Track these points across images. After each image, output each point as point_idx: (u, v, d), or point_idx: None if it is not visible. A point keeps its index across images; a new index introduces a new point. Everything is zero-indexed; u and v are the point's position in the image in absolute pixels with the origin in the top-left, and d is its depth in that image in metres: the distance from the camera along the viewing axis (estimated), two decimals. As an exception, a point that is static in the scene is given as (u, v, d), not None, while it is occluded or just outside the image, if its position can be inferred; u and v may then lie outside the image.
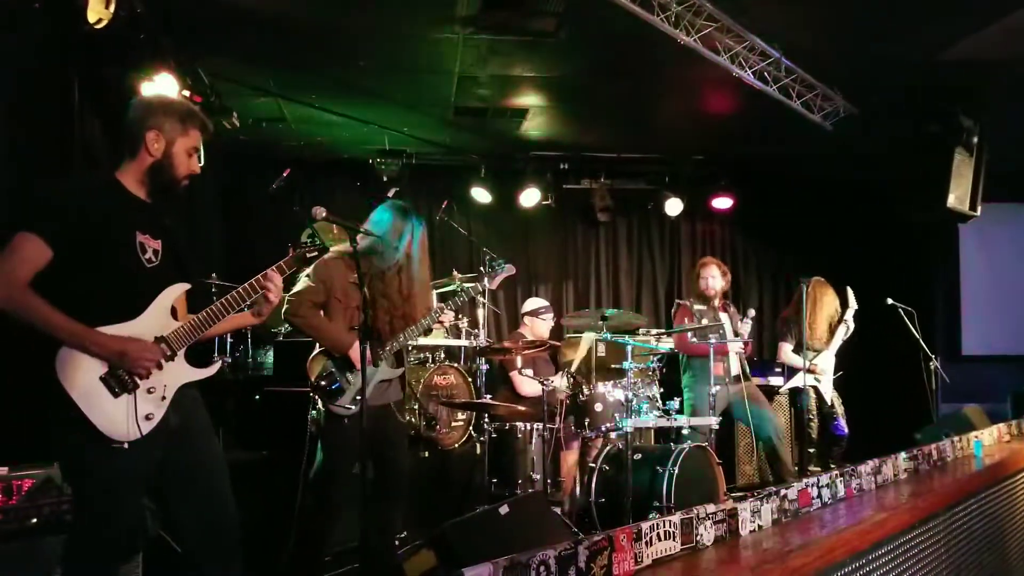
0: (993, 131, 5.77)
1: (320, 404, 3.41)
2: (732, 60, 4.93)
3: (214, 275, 5.33)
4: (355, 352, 3.32)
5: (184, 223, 2.76)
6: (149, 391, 2.36)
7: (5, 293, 2.19)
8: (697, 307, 5.47)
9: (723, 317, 5.48)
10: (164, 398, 2.40)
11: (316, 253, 2.84)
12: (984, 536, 3.02)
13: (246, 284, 2.58)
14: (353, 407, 3.33)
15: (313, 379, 3.36)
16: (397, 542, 4.44)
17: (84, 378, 2.25)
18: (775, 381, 6.42)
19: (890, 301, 5.71)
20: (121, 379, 2.29)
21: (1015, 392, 6.74)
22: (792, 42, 4.99)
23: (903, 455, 2.90)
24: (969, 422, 4.92)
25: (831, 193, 7.98)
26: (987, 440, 3.71)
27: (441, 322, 3.64)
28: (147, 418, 2.33)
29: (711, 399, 5.02)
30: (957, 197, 5.62)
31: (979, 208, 5.87)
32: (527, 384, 5.40)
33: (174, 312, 2.47)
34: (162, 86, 4.67)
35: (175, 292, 2.47)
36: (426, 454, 5.27)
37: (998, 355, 7.75)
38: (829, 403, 5.71)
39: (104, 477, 2.29)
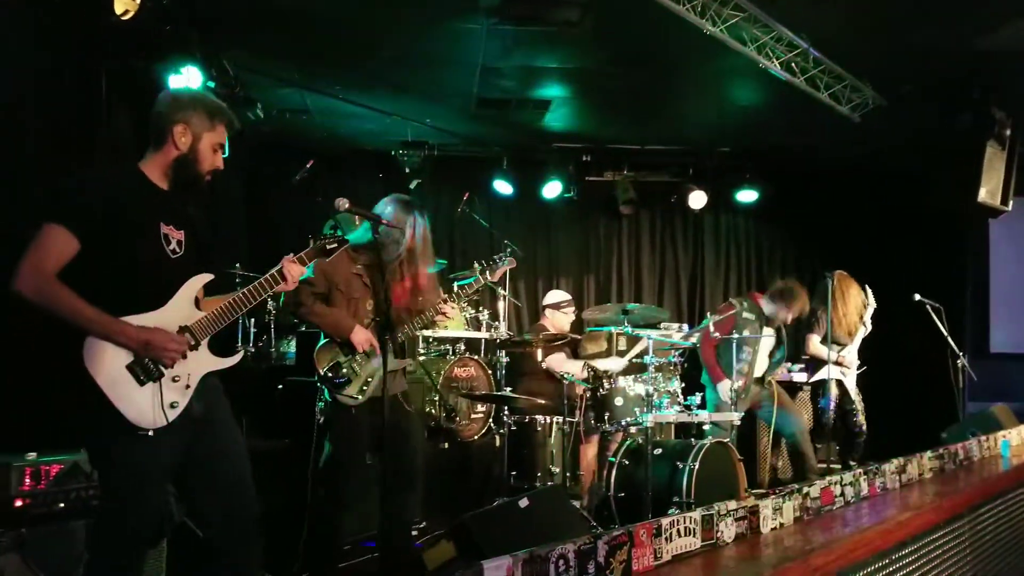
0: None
1: (327, 394, 3.41)
2: (759, 51, 4.87)
3: (238, 265, 5.37)
4: (357, 336, 3.34)
5: (207, 213, 2.78)
6: (174, 380, 2.39)
7: (33, 285, 2.21)
8: (746, 315, 5.24)
9: (767, 331, 5.32)
10: (188, 387, 2.43)
11: (336, 245, 2.87)
12: (1010, 538, 2.97)
13: (267, 275, 2.62)
14: (360, 397, 3.35)
15: (321, 370, 3.37)
16: (416, 532, 4.47)
17: (111, 366, 2.27)
18: (798, 377, 6.35)
19: (917, 297, 5.62)
20: (147, 368, 2.32)
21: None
22: (820, 32, 4.92)
23: (928, 454, 2.87)
24: (996, 421, 4.85)
25: (858, 186, 7.87)
26: (1015, 440, 3.66)
27: (444, 313, 3.62)
28: (172, 406, 2.36)
29: (732, 395, 4.97)
30: (988, 191, 5.53)
31: (1011, 203, 5.76)
32: (558, 364, 5.41)
33: (197, 302, 2.49)
34: (188, 77, 4.71)
35: (199, 282, 2.50)
36: (446, 446, 5.29)
37: (1028, 353, 7.61)
38: (853, 400, 5.65)
39: (130, 464, 2.32)
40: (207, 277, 2.53)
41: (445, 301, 3.62)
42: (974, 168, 5.43)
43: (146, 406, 2.31)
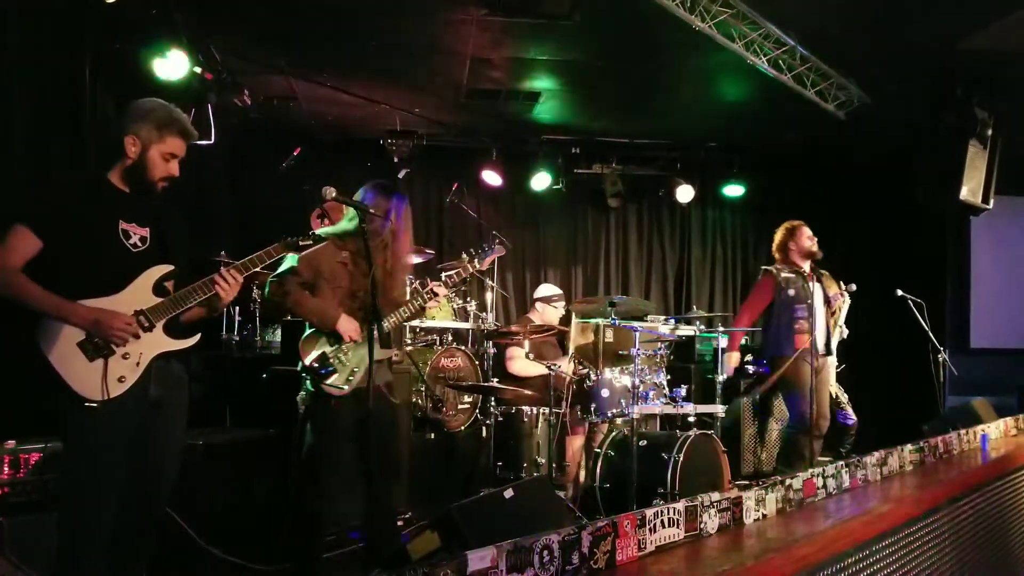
0: (1008, 124, 5.71)
1: (310, 384, 3.37)
2: (747, 47, 4.89)
3: (223, 253, 5.35)
4: (343, 325, 3.32)
5: (182, 206, 3.02)
6: (124, 356, 2.57)
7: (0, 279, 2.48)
8: (785, 275, 5.04)
9: (815, 288, 4.92)
10: (139, 364, 2.60)
11: (310, 242, 2.96)
12: (989, 529, 3.02)
13: (235, 266, 2.78)
14: (346, 387, 3.32)
15: (306, 360, 3.32)
16: (401, 523, 4.47)
17: (62, 344, 2.50)
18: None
19: (900, 292, 5.67)
20: (97, 345, 2.52)
21: (1021, 386, 6.71)
22: (807, 30, 4.95)
23: (909, 447, 2.90)
24: (976, 415, 4.90)
25: (843, 183, 7.92)
26: (994, 434, 3.71)
27: (436, 295, 3.59)
28: (119, 380, 2.55)
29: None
30: (970, 189, 5.59)
31: (992, 201, 5.83)
32: (518, 363, 5.39)
33: (159, 289, 2.68)
34: (173, 62, 4.67)
35: (158, 271, 2.69)
36: (432, 436, 5.29)
37: (1007, 348, 7.71)
38: (834, 395, 5.69)
39: (82, 436, 2.52)
40: (166, 268, 2.71)
41: (436, 287, 3.58)
42: (956, 166, 5.48)
43: (94, 379, 2.50)
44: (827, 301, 5.07)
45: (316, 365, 3.31)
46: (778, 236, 5.29)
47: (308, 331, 3.41)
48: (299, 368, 3.38)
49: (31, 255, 2.53)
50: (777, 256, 5.26)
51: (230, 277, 2.74)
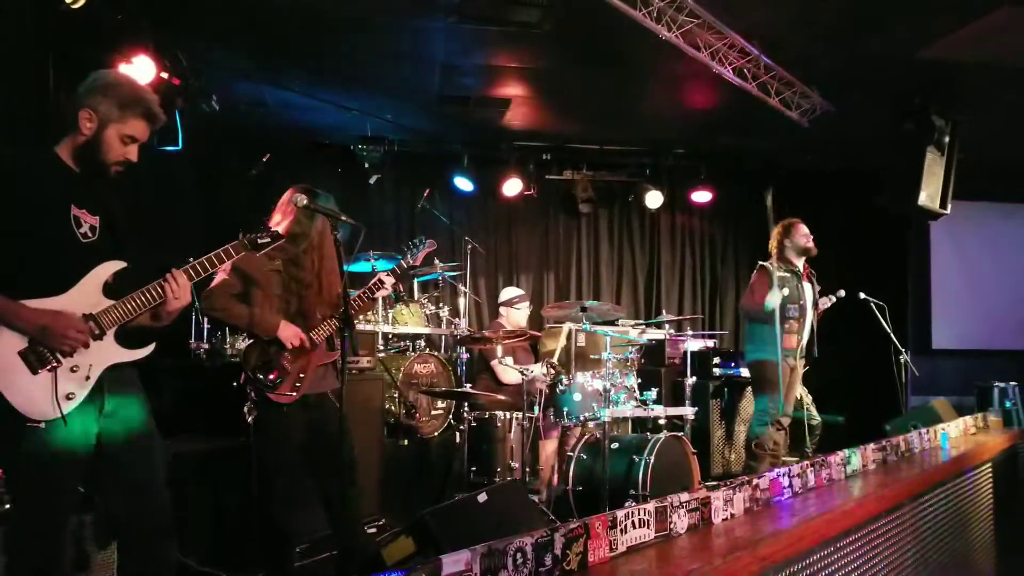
0: (964, 131, 5.87)
1: (254, 395, 3.28)
2: (712, 56, 4.97)
3: (191, 259, 5.29)
4: (284, 332, 3.26)
5: (149, 212, 2.66)
6: (72, 370, 2.25)
7: None
8: (780, 274, 5.09)
9: (807, 288, 5.20)
10: (88, 378, 2.29)
11: (268, 240, 2.78)
12: (949, 525, 3.10)
13: (187, 267, 2.52)
14: (294, 394, 3.26)
15: (248, 369, 3.23)
16: (375, 529, 4.46)
17: (1, 352, 2.15)
18: (747, 373, 6.49)
19: (862, 295, 5.80)
20: (41, 355, 2.19)
21: (979, 386, 6.89)
22: (771, 40, 5.04)
23: (872, 446, 2.97)
24: (937, 414, 5.03)
25: (807, 188, 8.07)
26: (953, 432, 3.81)
27: (383, 284, 3.52)
28: (68, 397, 2.23)
29: (779, 297, 4.88)
30: (928, 195, 5.73)
31: (949, 206, 5.98)
32: (508, 373, 5.44)
33: (109, 291, 2.36)
34: (139, 68, 4.62)
35: (109, 269, 2.37)
36: (406, 442, 5.29)
37: (966, 349, 7.91)
38: (798, 396, 5.79)
39: (26, 457, 2.21)
40: (118, 265, 2.39)
41: (381, 282, 3.54)
42: (915, 173, 5.62)
43: (38, 396, 2.18)
44: (815, 303, 5.24)
45: (260, 375, 3.24)
46: (774, 233, 5.38)
47: (249, 340, 3.36)
48: (243, 379, 3.30)
49: None
50: (773, 253, 5.34)
51: (177, 281, 2.44)
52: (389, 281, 3.53)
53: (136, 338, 2.43)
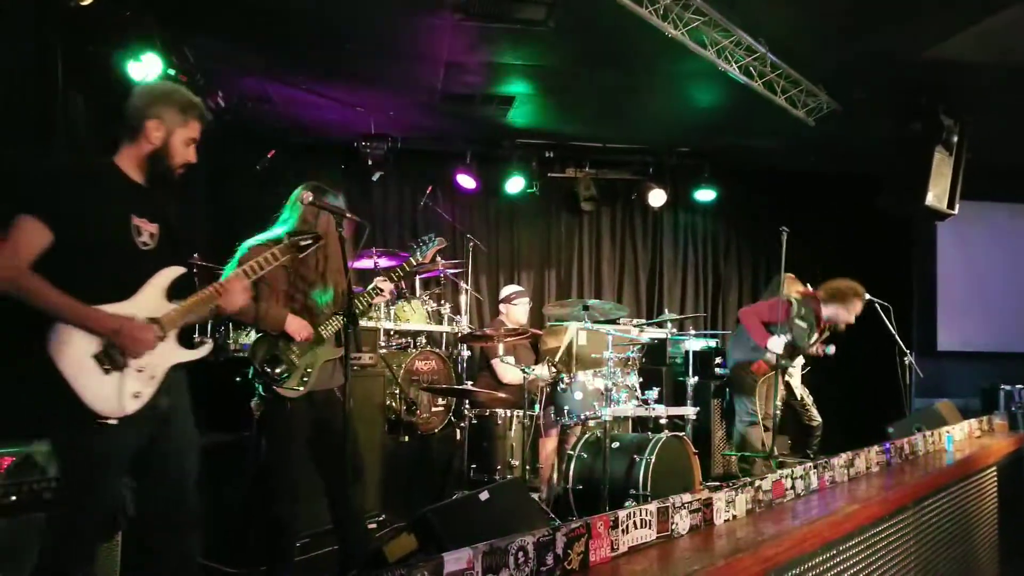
0: (972, 131, 5.84)
1: (262, 388, 3.31)
2: (718, 54, 4.96)
3: (196, 255, 5.30)
4: (291, 325, 3.28)
5: (177, 205, 2.81)
6: (139, 370, 2.40)
7: (9, 276, 2.25)
8: (799, 321, 5.16)
9: (815, 334, 5.28)
10: (153, 377, 2.44)
11: (311, 242, 2.91)
12: (953, 529, 3.09)
13: (240, 269, 2.72)
14: (301, 388, 3.27)
15: (256, 363, 3.26)
16: (375, 524, 4.46)
17: (76, 355, 2.30)
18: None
19: (867, 296, 5.77)
20: (112, 357, 2.34)
21: (984, 388, 6.86)
22: (778, 38, 5.03)
23: (876, 448, 2.96)
24: (941, 417, 5.01)
25: (812, 188, 8.05)
26: (958, 435, 3.79)
27: (381, 291, 3.55)
28: (135, 396, 2.38)
29: (783, 345, 4.89)
30: (936, 195, 5.70)
31: (957, 206, 5.95)
32: (509, 372, 5.43)
33: (168, 294, 2.52)
34: (147, 65, 4.62)
35: (170, 275, 2.52)
36: (406, 439, 5.29)
37: (972, 351, 7.88)
38: (798, 397, 5.78)
39: (91, 453, 2.33)
40: (178, 270, 2.55)
41: (381, 283, 3.55)
42: (922, 173, 5.60)
43: (110, 395, 2.32)
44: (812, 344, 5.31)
45: (268, 368, 3.26)
46: (840, 290, 5.24)
47: (256, 334, 3.37)
48: (250, 373, 3.34)
49: (41, 250, 2.28)
50: (821, 296, 5.28)
51: (228, 286, 2.63)
52: (387, 287, 3.54)
53: (190, 337, 2.63)
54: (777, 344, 4.91)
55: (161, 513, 2.53)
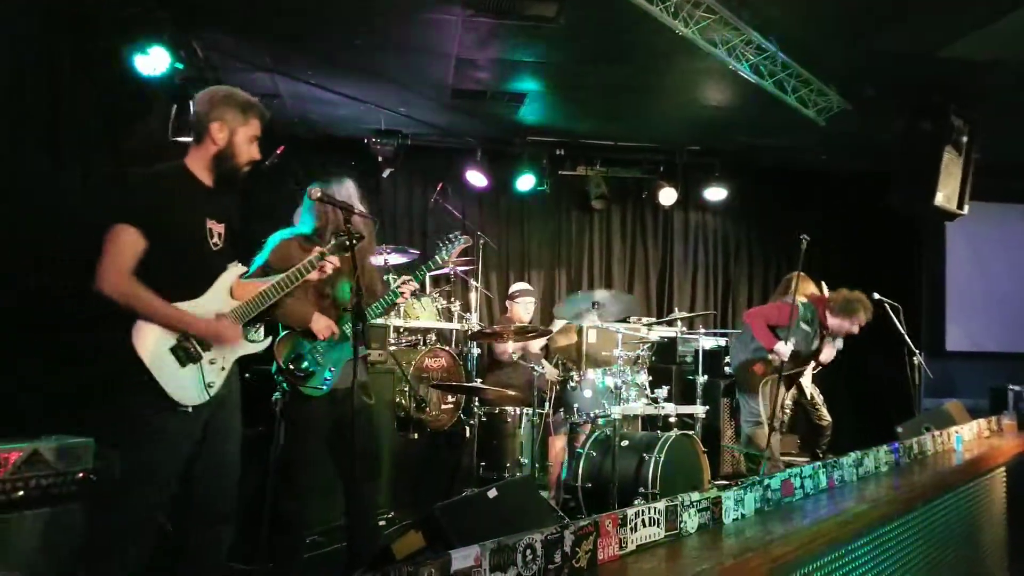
0: (982, 131, 5.81)
1: (286, 385, 3.35)
2: (729, 53, 4.94)
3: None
4: (317, 324, 3.30)
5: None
6: (211, 362, 2.62)
7: (115, 283, 2.43)
8: (804, 325, 5.14)
9: (816, 341, 5.26)
10: (224, 368, 2.66)
11: (355, 241, 2.97)
12: (961, 529, 3.08)
13: (295, 268, 2.88)
14: (324, 387, 3.30)
15: (281, 361, 3.29)
16: (384, 522, 4.47)
17: (155, 348, 2.49)
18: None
19: (877, 296, 5.75)
20: (188, 351, 2.54)
21: (993, 388, 6.82)
22: (789, 36, 5.00)
23: (885, 448, 2.95)
24: (950, 417, 4.98)
25: (822, 187, 8.02)
26: (967, 435, 3.77)
27: (403, 294, 3.58)
28: (209, 386, 2.59)
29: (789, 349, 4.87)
30: (945, 195, 5.67)
31: (966, 207, 5.92)
32: (503, 347, 5.41)
33: (232, 290, 2.72)
34: (155, 59, 4.64)
35: (234, 273, 2.71)
36: (415, 436, 5.30)
37: (981, 352, 7.84)
38: (808, 396, 5.77)
39: (167, 437, 2.51)
40: (241, 269, 2.76)
41: (405, 283, 3.57)
42: (932, 173, 5.57)
43: (187, 385, 2.53)
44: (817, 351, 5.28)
45: (291, 366, 3.28)
46: (838, 299, 5.22)
47: (283, 332, 3.39)
48: (274, 370, 3.36)
49: (139, 256, 2.45)
50: (830, 304, 5.24)
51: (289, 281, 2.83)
52: (410, 288, 3.56)
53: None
54: (784, 350, 4.90)
55: (202, 503, 2.63)
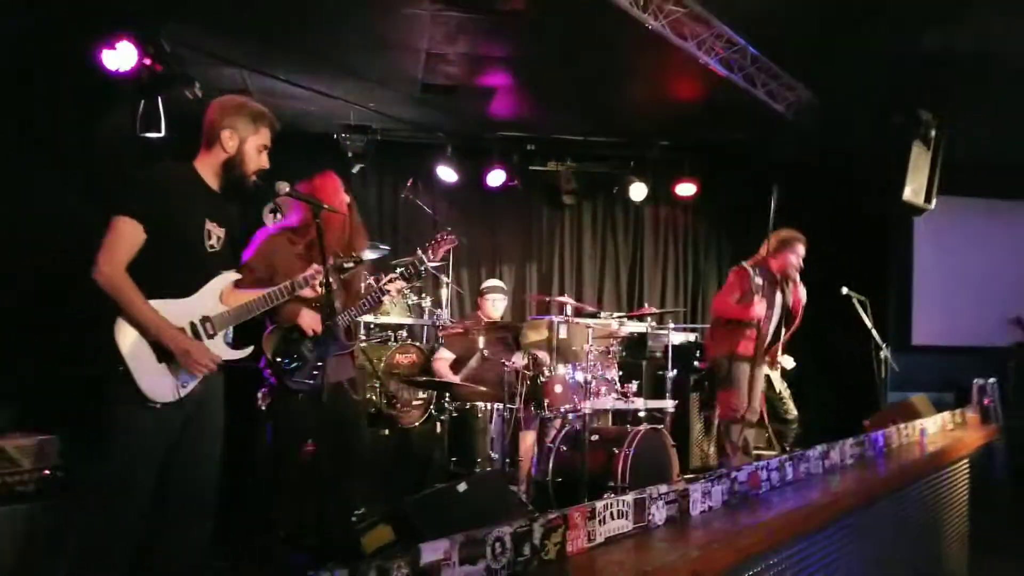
0: (951, 126, 5.89)
1: (272, 380, 3.35)
2: (699, 46, 4.97)
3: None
4: (304, 319, 3.29)
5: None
6: None
7: (107, 275, 2.46)
8: (757, 280, 5.12)
9: (777, 298, 5.24)
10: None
11: (352, 265, 3.10)
12: (926, 520, 3.13)
13: (286, 283, 2.92)
14: (311, 381, 3.30)
15: (269, 355, 3.30)
16: (355, 518, 4.45)
17: (137, 340, 2.51)
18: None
19: (845, 290, 5.82)
20: (167, 349, 2.55)
21: (957, 382, 6.94)
22: (758, 31, 5.04)
23: (851, 441, 2.98)
24: (916, 410, 5.07)
25: (791, 182, 8.07)
26: (932, 428, 3.83)
27: (388, 291, 3.57)
28: (183, 385, 2.59)
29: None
30: (913, 190, 5.74)
31: (934, 201, 6.00)
32: (439, 365, 5.39)
33: (222, 295, 2.74)
34: (122, 54, 4.56)
35: (227, 278, 2.75)
36: (386, 432, 5.28)
37: (947, 346, 7.97)
38: (777, 390, 5.83)
39: (136, 432, 2.52)
40: (234, 276, 2.79)
41: (391, 280, 3.57)
42: (900, 167, 5.64)
43: (161, 382, 2.54)
44: (786, 313, 5.23)
45: (279, 359, 3.28)
46: (772, 242, 5.27)
47: (270, 326, 3.38)
48: (262, 364, 3.34)
49: (136, 249, 2.50)
50: (757, 257, 5.28)
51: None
52: (394, 287, 3.55)
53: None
54: (760, 308, 4.90)
55: (178, 503, 2.63)
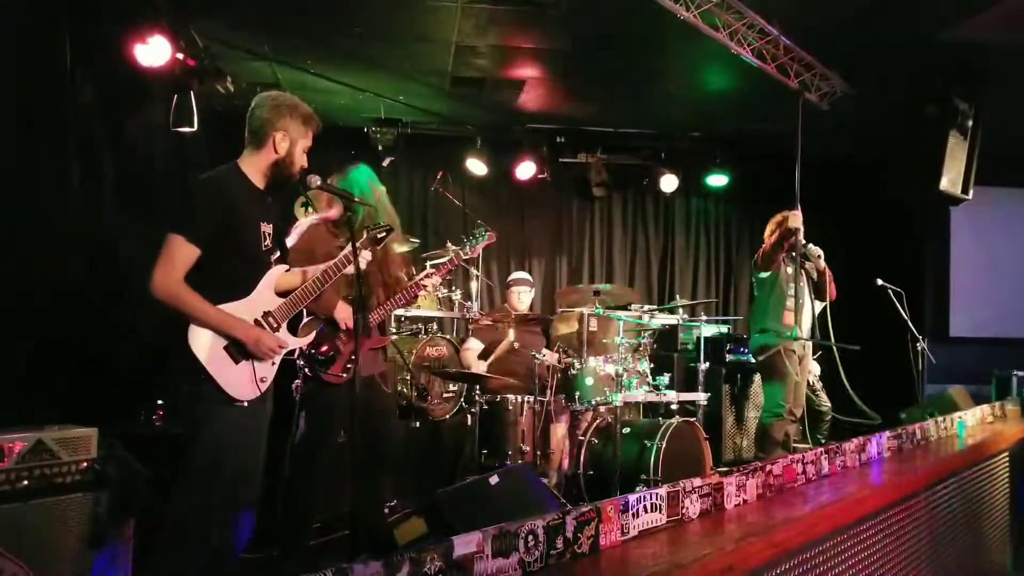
0: (988, 115, 5.76)
1: (307, 371, 3.39)
2: (731, 37, 4.90)
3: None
4: (340, 312, 3.32)
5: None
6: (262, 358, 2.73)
7: (165, 290, 2.53)
8: (787, 270, 5.20)
9: (802, 271, 5.19)
10: (274, 363, 2.78)
11: (385, 234, 3.08)
12: (963, 515, 3.08)
13: (333, 263, 2.95)
14: (345, 375, 3.33)
15: (304, 346, 3.33)
16: (387, 510, 4.49)
17: (211, 346, 2.59)
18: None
19: (880, 282, 5.73)
20: (241, 348, 2.64)
21: (996, 374, 6.81)
22: (791, 20, 4.96)
23: (887, 433, 2.95)
24: (953, 403, 4.99)
25: (825, 172, 7.96)
26: (970, 421, 3.77)
27: (424, 286, 3.60)
28: (262, 380, 2.70)
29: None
30: (950, 180, 5.63)
31: (971, 191, 5.88)
32: (468, 357, 5.41)
33: (277, 288, 2.82)
34: (155, 48, 4.62)
35: (278, 272, 2.82)
36: (417, 425, 5.31)
37: (985, 337, 7.82)
38: (810, 382, 5.74)
39: (227, 429, 2.61)
40: (283, 268, 2.86)
41: (427, 277, 3.59)
42: (937, 157, 5.53)
43: (242, 380, 2.63)
44: (816, 286, 5.18)
45: (314, 351, 3.31)
46: (775, 220, 5.36)
47: (306, 318, 3.41)
48: (296, 355, 3.38)
49: (191, 263, 2.56)
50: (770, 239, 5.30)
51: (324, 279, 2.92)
52: (431, 282, 3.57)
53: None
54: (797, 215, 5.01)
55: (242, 485, 2.69)
